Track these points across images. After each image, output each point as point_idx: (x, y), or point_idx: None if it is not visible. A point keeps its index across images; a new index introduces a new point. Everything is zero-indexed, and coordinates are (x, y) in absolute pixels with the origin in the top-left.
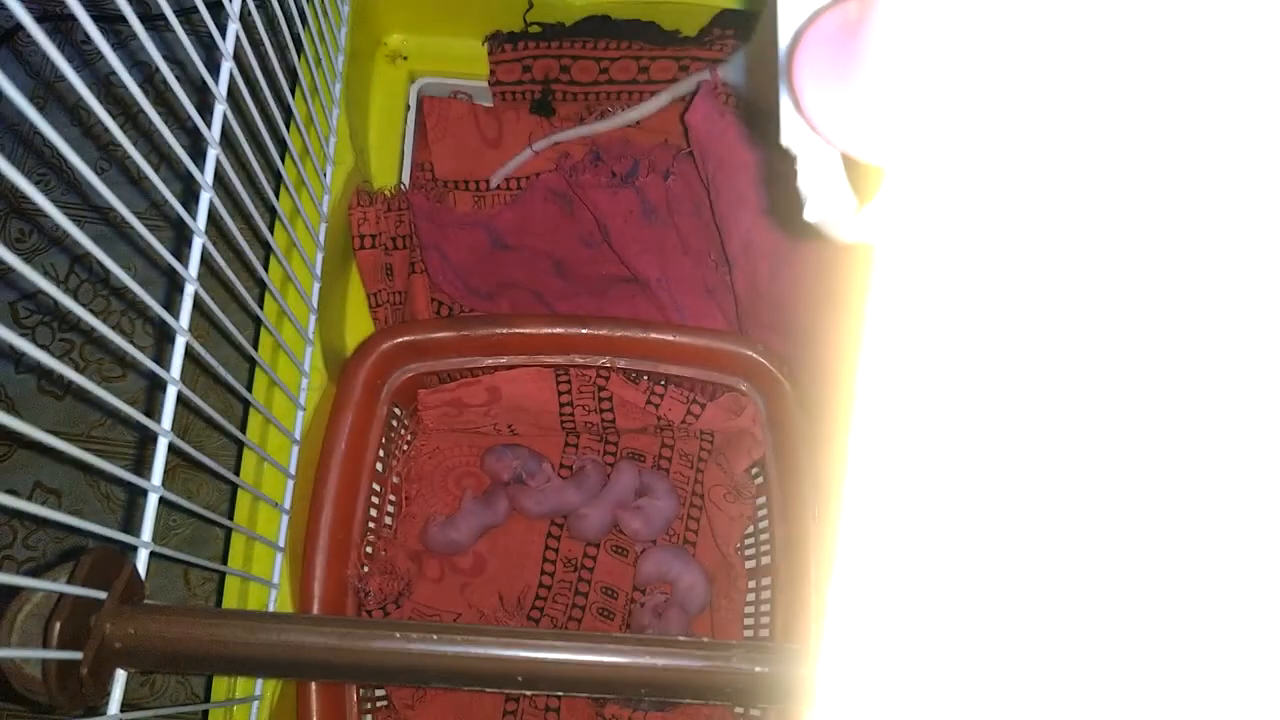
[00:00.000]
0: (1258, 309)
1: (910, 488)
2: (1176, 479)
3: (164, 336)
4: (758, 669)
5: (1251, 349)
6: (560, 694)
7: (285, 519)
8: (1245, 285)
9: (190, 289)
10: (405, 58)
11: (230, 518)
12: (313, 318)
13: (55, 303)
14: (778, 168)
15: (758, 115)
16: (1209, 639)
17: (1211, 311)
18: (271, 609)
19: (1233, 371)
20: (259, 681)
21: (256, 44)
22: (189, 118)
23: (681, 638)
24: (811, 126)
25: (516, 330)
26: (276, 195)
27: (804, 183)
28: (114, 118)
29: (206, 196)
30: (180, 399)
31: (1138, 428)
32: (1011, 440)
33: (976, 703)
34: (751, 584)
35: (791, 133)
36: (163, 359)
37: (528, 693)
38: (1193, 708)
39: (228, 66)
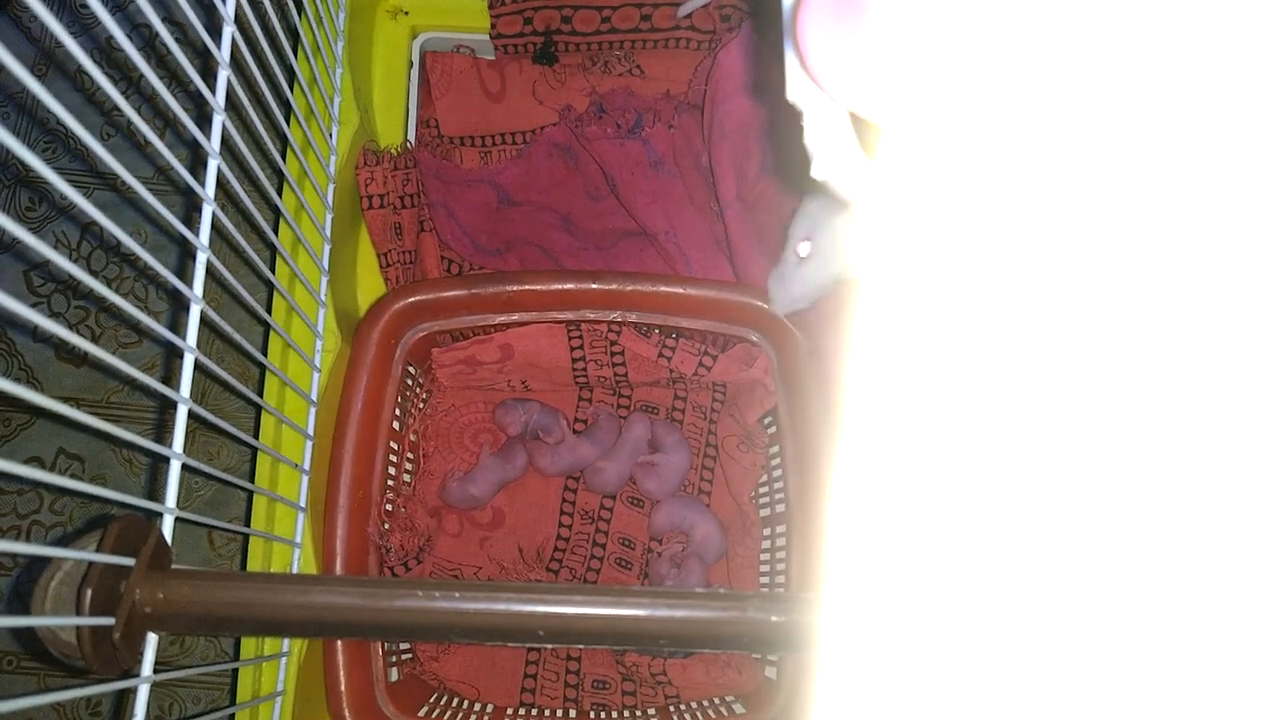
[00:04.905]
0: (1257, 290)
1: (904, 444)
2: (1162, 443)
3: (179, 301)
4: (774, 618)
5: (1248, 337)
6: (582, 646)
7: (305, 479)
8: (1249, 257)
9: (203, 257)
10: (407, 13)
11: (251, 480)
12: (324, 280)
13: (68, 271)
14: (784, 124)
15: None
16: (1184, 614)
17: (1212, 280)
18: (295, 568)
19: (1228, 357)
20: (286, 639)
21: (256, 3)
22: (192, 81)
23: (699, 590)
24: (816, 83)
25: (528, 287)
26: (283, 158)
27: (810, 139)
28: (116, 83)
29: (214, 163)
30: (197, 365)
31: (1132, 377)
32: (1005, 394)
33: (973, 657)
34: (766, 532)
35: (797, 89)
36: (177, 324)
37: (550, 645)
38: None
39: (229, 30)
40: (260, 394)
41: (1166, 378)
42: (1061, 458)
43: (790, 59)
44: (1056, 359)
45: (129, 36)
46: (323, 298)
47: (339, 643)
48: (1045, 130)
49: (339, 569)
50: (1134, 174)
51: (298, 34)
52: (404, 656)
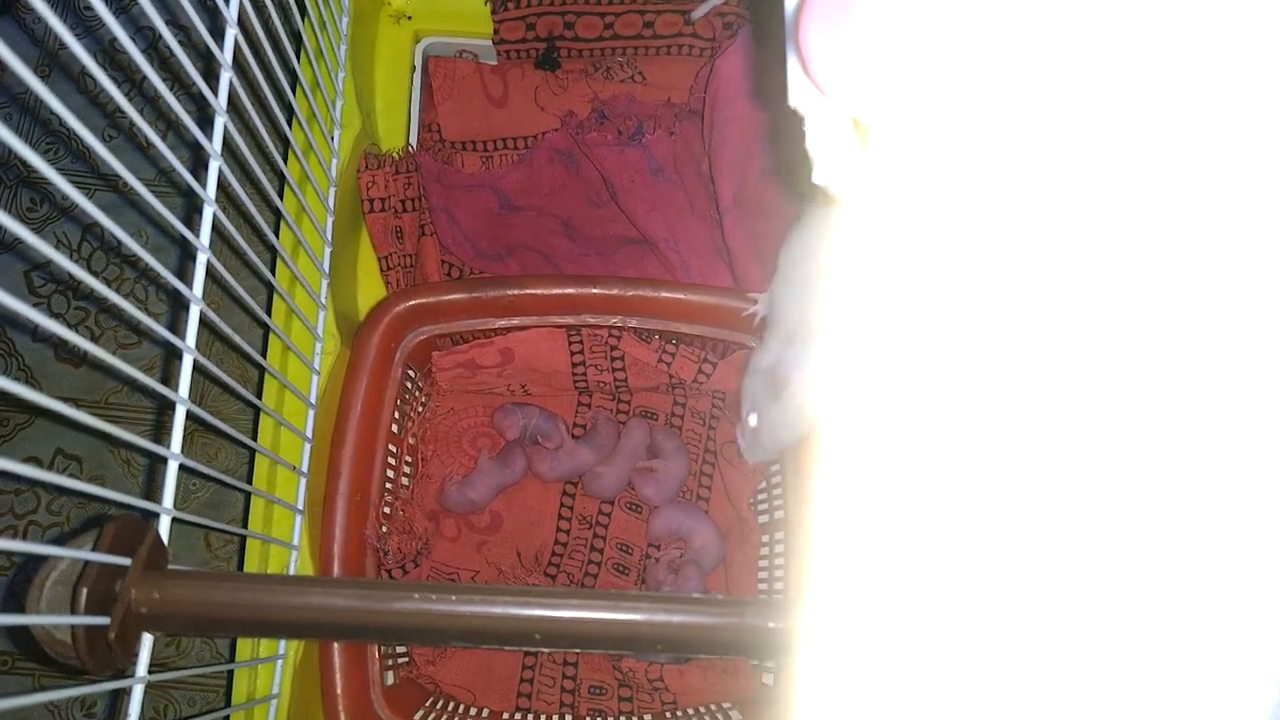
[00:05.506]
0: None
1: (888, 452)
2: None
3: (179, 302)
4: (771, 624)
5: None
6: (578, 650)
7: (303, 482)
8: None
9: (203, 258)
10: (410, 17)
11: (249, 481)
12: (324, 282)
13: (69, 272)
14: (785, 130)
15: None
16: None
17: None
18: (292, 570)
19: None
20: (282, 641)
21: (260, 7)
22: (194, 83)
23: (696, 595)
24: (819, 88)
25: (528, 291)
26: (285, 161)
27: (812, 144)
28: (119, 85)
29: (215, 165)
30: (196, 366)
31: (1115, 396)
32: (992, 402)
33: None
34: (765, 538)
35: (799, 95)
36: (177, 326)
37: (546, 650)
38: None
39: (232, 33)
40: (259, 396)
41: (1147, 400)
42: (1045, 471)
43: (792, 64)
44: (1041, 373)
45: (132, 38)
46: (323, 300)
47: (335, 645)
48: (1048, 136)
49: (336, 571)
50: (1145, 180)
51: (300, 37)
52: (400, 660)
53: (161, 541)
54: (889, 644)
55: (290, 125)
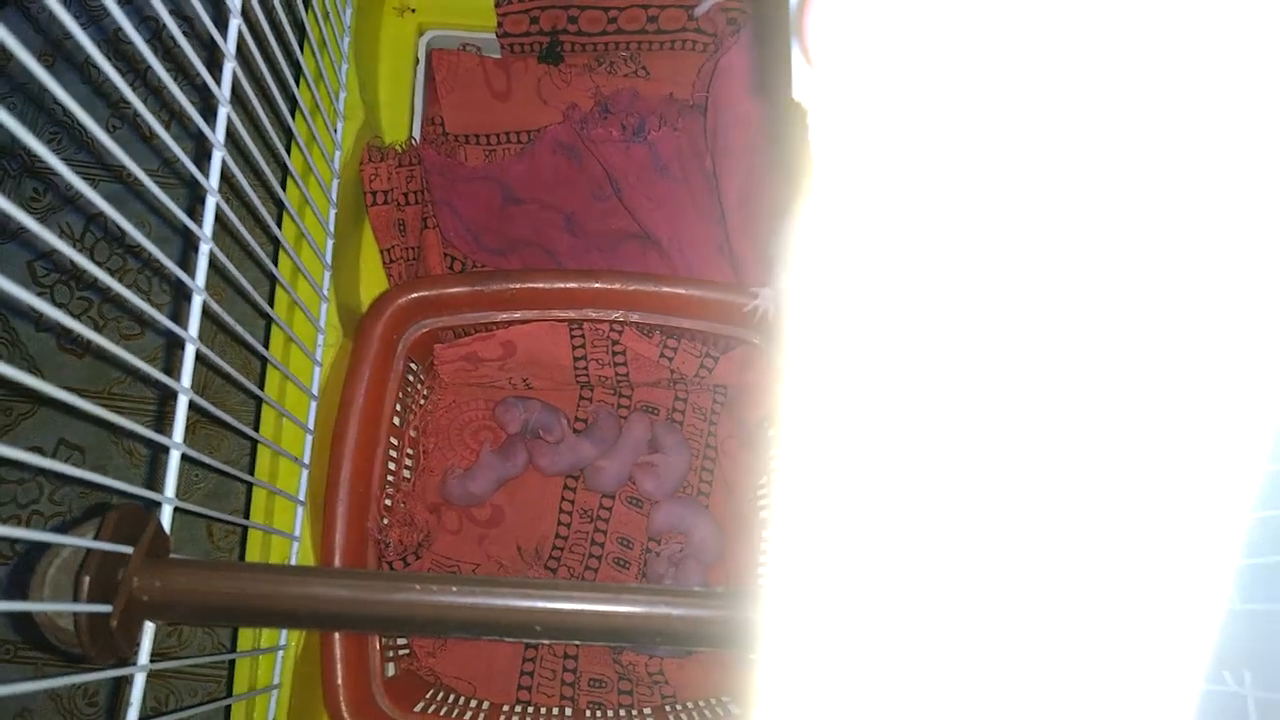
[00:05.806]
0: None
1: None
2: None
3: (181, 294)
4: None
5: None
6: (579, 643)
7: (305, 473)
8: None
9: (205, 248)
10: (414, 10)
11: (251, 473)
12: (327, 274)
13: (72, 261)
14: (788, 125)
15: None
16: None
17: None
18: (294, 561)
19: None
20: (284, 631)
21: None
22: (198, 74)
23: (696, 588)
24: (823, 80)
25: (531, 285)
26: (288, 152)
27: (815, 138)
28: (123, 75)
29: (219, 155)
30: (199, 356)
31: (1085, 354)
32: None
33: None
34: (766, 534)
35: (803, 86)
36: (180, 317)
37: (546, 641)
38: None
39: (236, 23)
40: (261, 387)
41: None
42: (1019, 463)
43: (796, 56)
44: (1023, 369)
45: (137, 29)
46: (325, 292)
47: (336, 636)
48: (1060, 125)
49: (337, 563)
50: (1156, 181)
51: (304, 28)
52: (401, 652)
53: (163, 530)
54: (856, 635)
55: (293, 117)
